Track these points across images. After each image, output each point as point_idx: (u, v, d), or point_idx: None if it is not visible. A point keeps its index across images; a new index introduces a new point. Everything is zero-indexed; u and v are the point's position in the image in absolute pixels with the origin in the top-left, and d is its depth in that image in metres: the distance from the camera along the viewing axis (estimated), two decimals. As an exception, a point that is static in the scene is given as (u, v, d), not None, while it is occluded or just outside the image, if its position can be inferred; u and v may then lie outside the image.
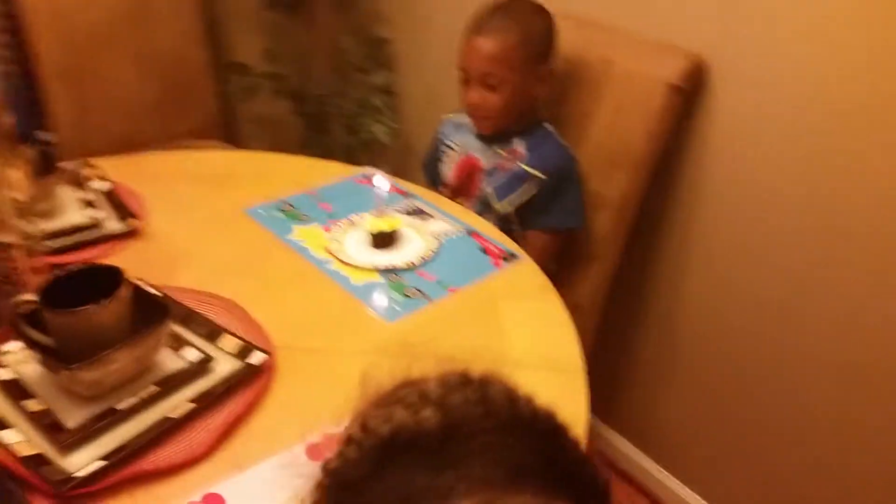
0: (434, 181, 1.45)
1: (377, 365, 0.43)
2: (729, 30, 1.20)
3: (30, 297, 0.75)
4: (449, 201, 1.30)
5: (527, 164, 1.29)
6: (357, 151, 1.97)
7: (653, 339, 1.51)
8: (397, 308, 0.99)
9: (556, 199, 1.28)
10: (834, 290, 1.19)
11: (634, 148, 1.25)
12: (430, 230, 1.16)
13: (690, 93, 1.24)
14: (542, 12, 1.26)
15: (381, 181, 1.15)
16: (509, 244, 1.15)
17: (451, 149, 1.40)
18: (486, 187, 1.32)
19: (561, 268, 1.34)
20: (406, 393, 0.38)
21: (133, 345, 0.75)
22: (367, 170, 1.34)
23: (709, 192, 1.31)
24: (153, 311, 0.79)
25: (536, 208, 1.29)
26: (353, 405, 0.41)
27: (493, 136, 1.32)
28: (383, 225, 1.12)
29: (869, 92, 1.08)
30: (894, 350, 1.14)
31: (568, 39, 1.30)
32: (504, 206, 1.30)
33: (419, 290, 1.03)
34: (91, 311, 0.73)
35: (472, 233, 1.17)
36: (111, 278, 0.77)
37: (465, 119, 1.40)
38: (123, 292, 0.76)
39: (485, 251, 1.13)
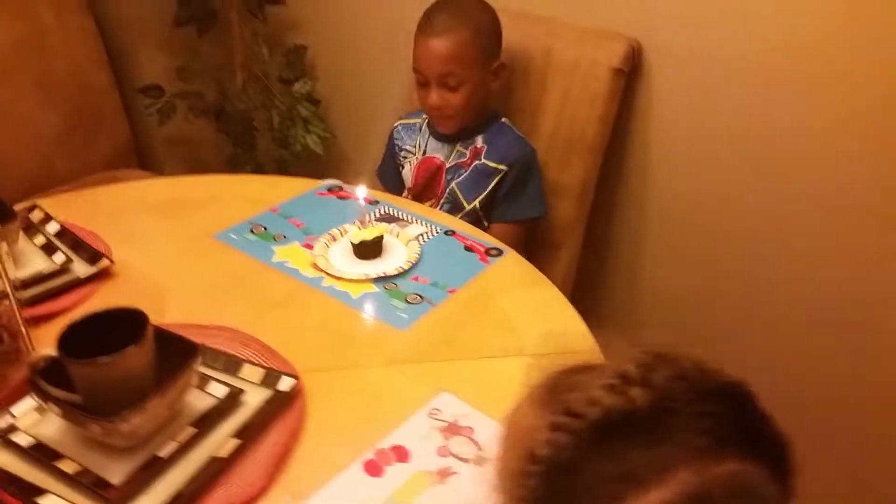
0: (392, 188, 1.46)
1: (535, 365, 0.44)
2: (658, 11, 1.29)
3: (46, 351, 0.71)
4: (418, 204, 1.31)
5: (488, 159, 1.32)
6: (289, 164, 1.94)
7: (618, 319, 1.59)
8: (403, 315, 1.00)
9: (519, 190, 1.32)
10: (785, 248, 1.31)
11: (587, 133, 1.31)
12: (409, 234, 1.17)
13: (630, 75, 1.31)
14: (486, 7, 1.29)
15: (361, 191, 1.15)
16: (490, 239, 1.18)
17: (409, 152, 1.41)
18: (452, 186, 1.35)
19: (527, 257, 1.38)
20: (591, 378, 0.40)
21: (165, 389, 0.72)
22: (328, 182, 1.33)
23: (655, 168, 1.40)
24: (174, 350, 0.76)
25: (500, 201, 1.33)
26: (519, 400, 0.43)
27: (453, 135, 1.34)
28: (366, 234, 1.12)
29: (787, 60, 1.20)
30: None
31: (507, 33, 1.33)
32: (475, 203, 1.33)
33: (419, 295, 1.04)
34: (121, 358, 0.70)
35: (450, 232, 1.19)
36: (128, 321, 0.73)
37: (415, 120, 1.42)
38: (149, 335, 0.73)
39: (469, 249, 1.15)
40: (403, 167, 1.42)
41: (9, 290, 0.79)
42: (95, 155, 2.04)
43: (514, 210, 1.33)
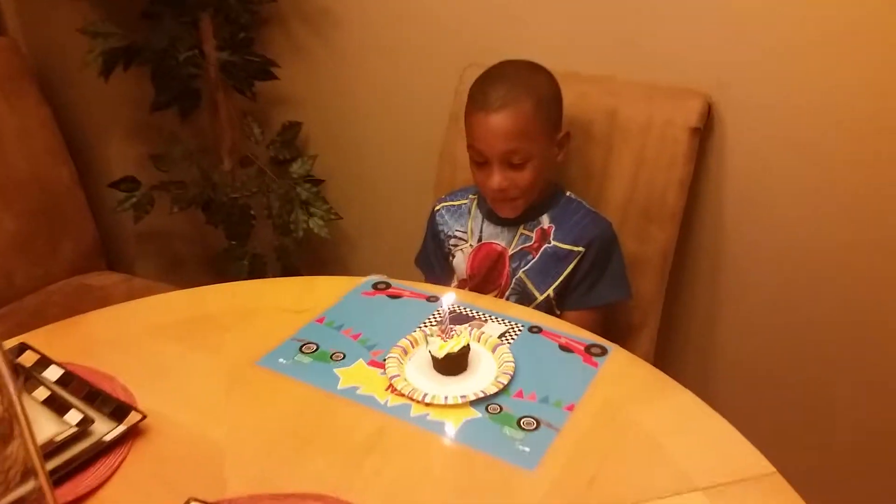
0: (438, 279, 1.29)
1: None
2: (728, 63, 1.18)
3: None
4: (484, 297, 1.13)
5: (559, 241, 1.17)
6: (293, 253, 1.74)
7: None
8: (525, 448, 0.81)
9: (598, 272, 1.16)
10: (877, 328, 1.19)
11: (667, 199, 1.18)
12: (489, 337, 0.99)
13: (704, 134, 1.19)
14: (543, 71, 1.16)
15: (449, 298, 0.96)
16: (586, 335, 1.01)
17: (461, 238, 1.25)
18: (519, 275, 1.18)
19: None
20: None
21: None
22: (372, 278, 1.15)
23: (731, 234, 1.27)
24: None
25: (576, 285, 1.17)
26: None
27: (515, 218, 1.19)
28: (451, 345, 0.93)
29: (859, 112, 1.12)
30: None
31: (564, 96, 1.20)
32: (548, 292, 1.17)
33: (534, 419, 0.85)
34: None
35: (535, 329, 1.01)
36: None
37: (461, 202, 1.27)
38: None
39: (566, 349, 0.98)
40: (454, 255, 1.25)
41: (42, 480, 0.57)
42: (59, 260, 1.80)
43: (595, 295, 1.17)
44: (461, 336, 0.94)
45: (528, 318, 1.04)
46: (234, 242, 1.72)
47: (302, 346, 0.99)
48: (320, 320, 1.05)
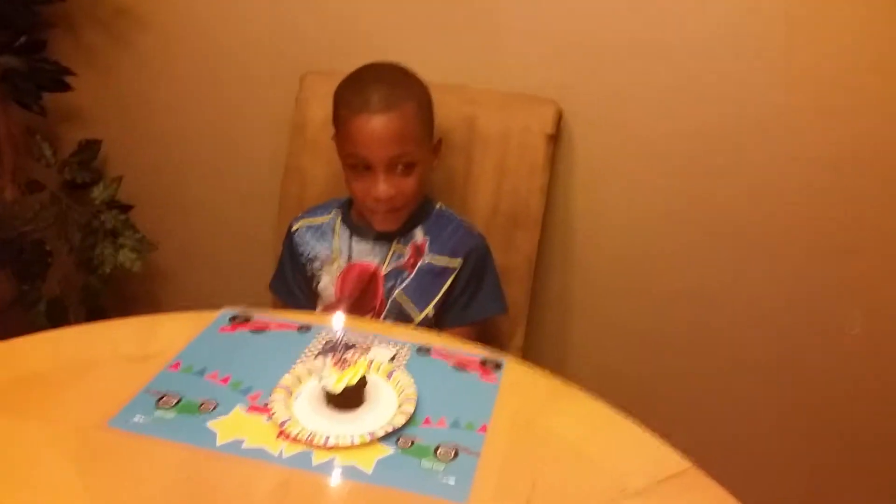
0: (299, 304, 1.17)
1: None
2: (575, 75, 1.22)
3: None
4: (360, 319, 1.05)
5: (434, 255, 1.12)
6: (99, 294, 1.49)
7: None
8: (450, 481, 0.74)
9: (475, 286, 1.13)
10: (710, 288, 1.30)
11: (531, 206, 1.18)
12: (380, 364, 0.91)
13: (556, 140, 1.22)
14: (414, 74, 1.10)
15: (339, 319, 0.86)
16: (476, 349, 0.96)
17: (326, 260, 1.15)
18: (395, 295, 1.11)
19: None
20: None
21: None
22: (227, 311, 1.01)
23: (579, 236, 1.32)
24: None
25: (456, 302, 1.13)
26: None
27: (387, 233, 1.11)
28: (349, 377, 0.83)
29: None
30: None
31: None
32: (427, 311, 1.11)
33: (450, 446, 0.79)
34: None
35: (424, 350, 0.95)
36: None
37: (323, 218, 1.17)
38: None
39: (462, 367, 0.93)
40: (319, 279, 1.15)
41: None
42: None
43: (474, 310, 1.13)
44: (357, 365, 0.86)
45: (413, 339, 0.98)
46: (26, 286, 1.44)
47: (159, 400, 0.83)
48: (175, 366, 0.90)
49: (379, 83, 1.04)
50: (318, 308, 1.16)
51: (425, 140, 1.08)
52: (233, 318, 1.00)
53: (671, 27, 1.16)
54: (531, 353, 1.34)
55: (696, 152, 1.22)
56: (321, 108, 1.26)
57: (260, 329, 0.99)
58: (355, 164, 1.06)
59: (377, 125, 1.02)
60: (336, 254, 1.14)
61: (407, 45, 1.25)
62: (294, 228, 1.17)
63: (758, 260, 1.27)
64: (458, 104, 1.17)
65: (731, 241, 1.26)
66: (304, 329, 0.98)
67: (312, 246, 1.15)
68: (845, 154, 1.17)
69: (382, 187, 1.04)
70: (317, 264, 1.15)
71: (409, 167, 1.05)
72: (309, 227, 1.17)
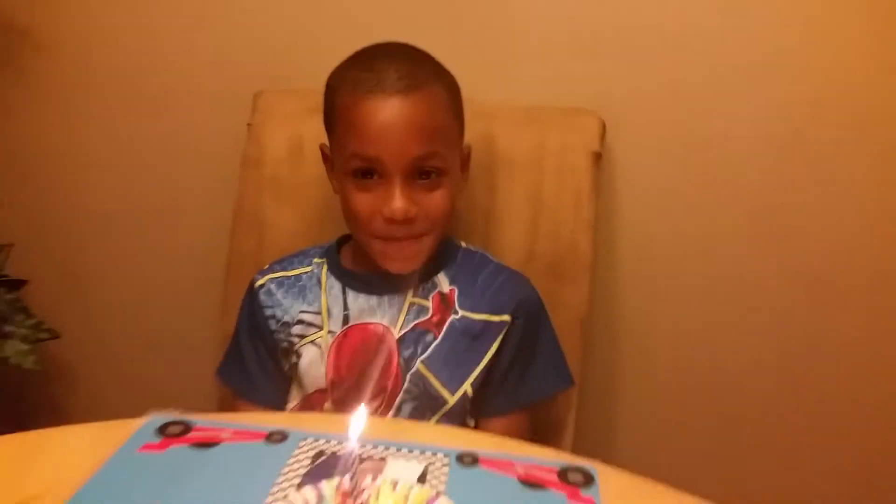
0: (266, 398, 0.83)
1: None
2: (617, 78, 0.97)
3: None
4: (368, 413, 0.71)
5: (470, 310, 0.79)
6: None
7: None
8: None
9: (530, 351, 0.81)
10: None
11: (578, 247, 0.88)
12: (409, 488, 0.57)
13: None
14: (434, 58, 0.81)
15: (356, 420, 0.51)
16: (548, 453, 0.64)
17: (310, 325, 0.81)
18: (416, 367, 0.78)
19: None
20: None
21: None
22: (152, 419, 0.65)
23: (628, 280, 1.03)
24: None
25: (506, 377, 0.80)
26: None
27: (398, 280, 0.79)
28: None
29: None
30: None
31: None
32: (464, 389, 0.77)
33: None
34: None
35: (469, 459, 0.62)
36: None
37: (304, 270, 0.84)
38: None
39: (534, 483, 0.60)
40: (300, 354, 0.80)
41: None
42: None
43: (530, 388, 0.81)
44: (383, 499, 0.52)
45: (448, 442, 0.64)
46: None
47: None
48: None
49: (398, 57, 0.75)
50: (297, 399, 0.82)
51: (456, 142, 0.79)
52: (162, 430, 0.64)
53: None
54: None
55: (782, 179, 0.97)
56: (282, 134, 0.96)
57: (206, 443, 0.63)
58: (361, 171, 0.74)
59: (395, 111, 0.72)
60: (325, 315, 0.80)
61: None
62: (258, 284, 0.84)
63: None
64: (468, 119, 0.85)
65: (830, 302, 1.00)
66: (277, 438, 0.64)
67: (287, 307, 0.82)
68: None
69: (399, 201, 0.72)
70: (295, 333, 0.81)
71: (436, 176, 0.75)
72: (280, 283, 0.83)
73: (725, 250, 1.01)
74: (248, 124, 0.98)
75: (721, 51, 0.95)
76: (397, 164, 0.72)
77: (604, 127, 0.92)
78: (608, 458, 1.11)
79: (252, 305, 0.83)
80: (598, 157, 0.90)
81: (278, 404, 0.83)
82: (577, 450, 0.96)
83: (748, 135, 0.96)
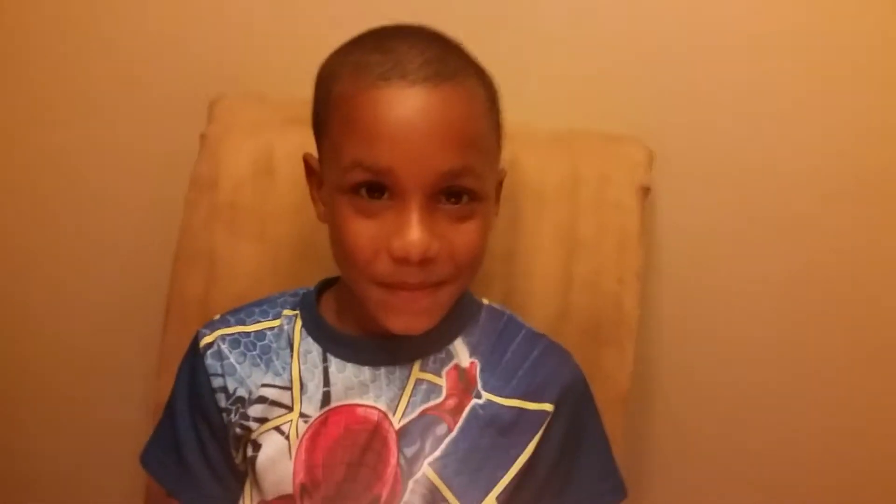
0: (202, 496, 0.60)
1: None
2: (663, 104, 0.80)
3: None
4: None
5: (497, 393, 0.59)
6: None
7: None
8: None
9: (573, 454, 0.61)
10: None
11: (623, 304, 0.70)
12: None
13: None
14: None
15: None
16: None
17: (274, 403, 0.59)
18: (424, 471, 0.57)
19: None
20: None
21: None
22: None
23: (673, 347, 0.85)
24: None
25: (544, 487, 0.60)
26: None
27: (403, 345, 0.59)
28: None
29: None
30: None
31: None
32: (485, 501, 0.57)
33: None
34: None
35: None
36: None
37: (269, 324, 0.63)
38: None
39: None
40: (258, 446, 0.59)
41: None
42: None
43: (579, 496, 0.60)
44: None
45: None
46: None
47: None
48: None
49: (422, 39, 0.56)
50: (250, 506, 0.60)
51: (494, 158, 0.59)
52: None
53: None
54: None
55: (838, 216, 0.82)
56: (246, 150, 0.76)
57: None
58: (365, 186, 0.54)
59: (419, 105, 0.52)
60: (296, 392, 0.59)
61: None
62: (205, 343, 0.62)
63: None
64: None
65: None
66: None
67: (243, 377, 0.60)
68: None
69: (416, 232, 0.52)
70: (253, 415, 0.59)
71: (469, 201, 0.55)
72: (237, 341, 0.62)
73: (790, 309, 0.84)
74: (202, 135, 0.77)
75: (787, 76, 0.80)
76: (418, 181, 0.52)
77: (651, 157, 0.75)
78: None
79: (194, 372, 0.61)
80: (646, 192, 0.73)
81: None
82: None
83: (820, 171, 0.81)
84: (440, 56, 0.54)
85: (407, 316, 0.56)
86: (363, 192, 0.54)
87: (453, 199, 0.54)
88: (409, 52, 0.53)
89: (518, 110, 0.71)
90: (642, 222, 0.73)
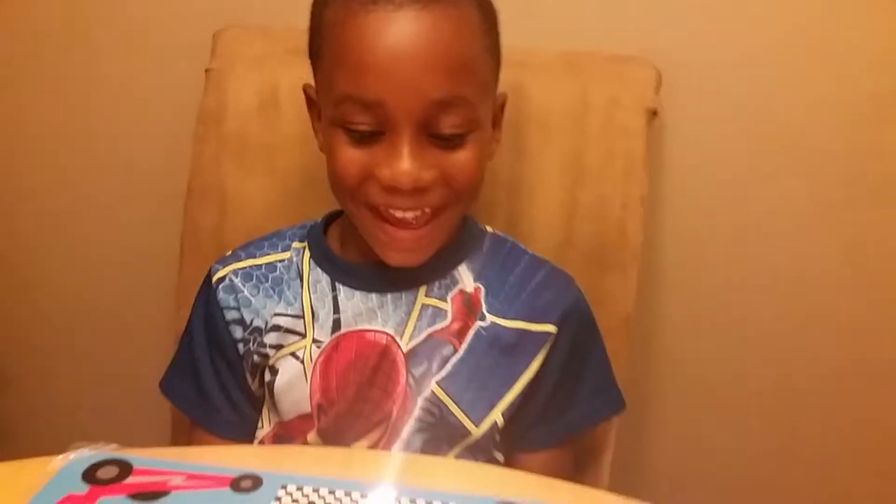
0: (221, 422, 0.66)
1: None
2: (673, 24, 0.81)
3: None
4: (361, 451, 0.55)
5: (502, 315, 0.63)
6: None
7: None
8: None
9: (576, 373, 0.65)
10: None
11: (626, 229, 0.72)
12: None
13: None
14: None
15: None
16: (605, 497, 0.49)
17: (288, 331, 0.63)
18: (431, 388, 0.61)
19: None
20: None
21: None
22: (83, 454, 0.49)
23: (674, 273, 0.88)
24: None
25: (548, 405, 0.64)
26: None
27: (408, 272, 0.61)
28: None
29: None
30: None
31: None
32: (493, 418, 0.61)
33: None
34: None
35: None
36: None
37: (280, 257, 0.66)
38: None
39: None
40: (275, 371, 0.63)
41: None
42: None
43: (578, 414, 0.65)
44: None
45: (477, 487, 0.49)
46: None
47: None
48: None
49: None
50: (269, 427, 0.65)
51: (490, 86, 0.60)
52: (91, 473, 0.48)
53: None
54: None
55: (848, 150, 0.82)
56: (251, 83, 0.78)
57: (150, 492, 0.47)
58: (355, 119, 0.55)
59: (407, 30, 0.53)
60: (308, 319, 0.63)
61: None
62: (217, 277, 0.65)
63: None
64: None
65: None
66: (248, 485, 0.48)
67: (258, 308, 0.64)
68: None
69: (406, 165, 0.54)
70: (269, 343, 0.63)
71: (463, 130, 0.56)
72: (247, 274, 0.65)
73: (793, 239, 0.85)
74: (207, 70, 0.79)
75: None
76: (408, 111, 0.54)
77: (660, 79, 0.76)
78: (644, 481, 0.96)
79: (209, 306, 0.65)
80: (653, 116, 0.74)
81: (244, 434, 0.66)
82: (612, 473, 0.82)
83: (827, 99, 0.81)
84: None
85: (401, 250, 0.59)
86: (355, 124, 0.55)
87: (444, 127, 0.55)
88: None
89: (523, 33, 0.73)
90: (648, 147, 0.74)
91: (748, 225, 0.86)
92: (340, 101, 0.55)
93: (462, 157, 0.57)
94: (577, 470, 0.72)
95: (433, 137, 0.56)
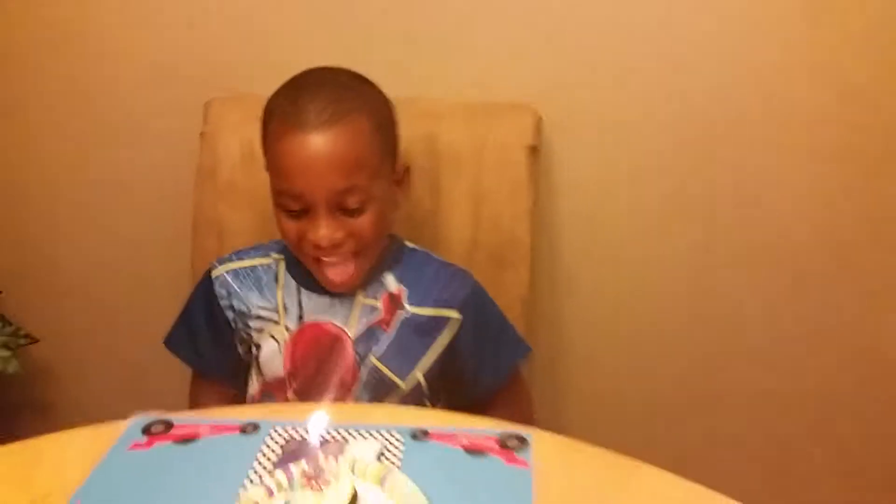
0: (221, 384, 0.96)
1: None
2: (553, 76, 1.08)
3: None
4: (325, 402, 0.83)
5: (417, 305, 0.90)
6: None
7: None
8: None
9: (487, 333, 0.93)
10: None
11: (517, 235, 0.99)
12: (365, 465, 0.69)
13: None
14: (370, 82, 0.89)
15: (319, 420, 0.63)
16: (488, 423, 0.76)
17: (265, 319, 0.91)
18: (370, 361, 0.89)
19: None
20: None
21: None
22: (136, 420, 0.76)
23: (570, 265, 1.15)
24: None
25: (481, 365, 0.92)
26: None
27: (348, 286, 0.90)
28: (336, 499, 0.61)
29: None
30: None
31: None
32: (414, 377, 0.89)
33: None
34: None
35: (422, 434, 0.74)
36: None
37: (259, 261, 0.94)
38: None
39: (476, 450, 0.72)
40: (259, 347, 0.91)
41: None
42: None
43: (505, 358, 0.93)
44: (342, 478, 0.63)
45: (400, 420, 0.76)
46: None
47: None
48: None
49: (320, 89, 0.83)
50: (258, 385, 0.93)
51: (383, 168, 0.86)
52: (147, 429, 0.75)
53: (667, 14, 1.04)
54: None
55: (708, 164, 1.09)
56: (235, 141, 1.05)
57: (187, 438, 0.74)
58: (286, 204, 0.83)
59: (314, 147, 0.80)
60: (281, 311, 0.90)
61: (341, 54, 1.06)
62: (215, 274, 0.93)
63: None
64: (412, 120, 0.96)
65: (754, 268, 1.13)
66: (251, 429, 0.75)
67: (245, 298, 0.92)
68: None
69: (324, 231, 0.81)
70: (255, 325, 0.91)
71: (361, 204, 0.83)
72: (237, 274, 0.93)
73: (656, 233, 1.13)
74: (202, 133, 1.06)
75: (654, 45, 1.05)
76: (320, 197, 0.81)
77: (540, 121, 1.03)
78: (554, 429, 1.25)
79: (206, 293, 0.93)
80: (533, 150, 1.01)
81: (234, 381, 0.94)
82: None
83: (677, 126, 1.07)
84: (333, 104, 0.81)
85: (336, 279, 0.87)
86: (288, 206, 0.83)
87: (347, 205, 0.82)
88: (309, 104, 0.81)
89: (434, 85, 0.99)
90: (531, 174, 1.01)
91: (621, 226, 1.13)
92: (278, 193, 0.84)
93: (364, 221, 0.84)
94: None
95: (341, 210, 0.83)
